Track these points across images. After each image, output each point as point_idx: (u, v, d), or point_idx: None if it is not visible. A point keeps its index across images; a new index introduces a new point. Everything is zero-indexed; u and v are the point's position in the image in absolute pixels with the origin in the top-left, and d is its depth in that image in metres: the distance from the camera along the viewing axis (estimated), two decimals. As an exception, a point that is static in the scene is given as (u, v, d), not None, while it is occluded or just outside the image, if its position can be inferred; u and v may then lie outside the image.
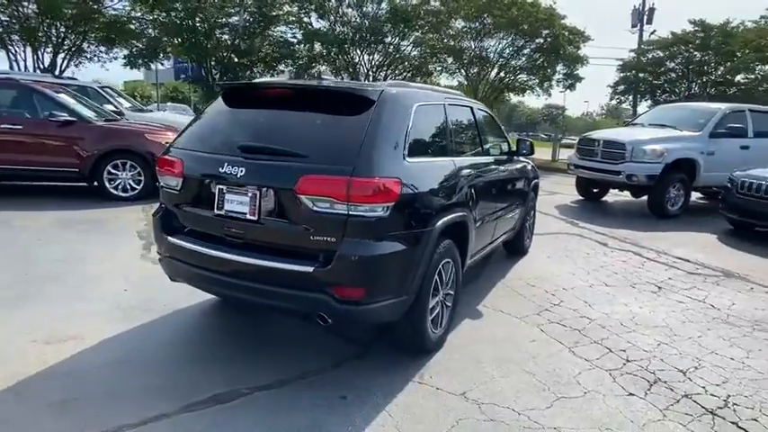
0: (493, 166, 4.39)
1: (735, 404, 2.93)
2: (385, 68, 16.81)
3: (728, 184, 7.56)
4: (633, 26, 28.63)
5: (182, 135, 3.34)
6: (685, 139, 8.67)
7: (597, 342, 3.67)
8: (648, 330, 3.93)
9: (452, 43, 17.44)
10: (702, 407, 2.89)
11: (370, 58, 16.64)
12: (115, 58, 15.72)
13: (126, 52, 14.98)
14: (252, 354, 3.28)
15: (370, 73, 16.75)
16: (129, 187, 7.60)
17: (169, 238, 3.15)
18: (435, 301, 3.26)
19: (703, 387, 3.11)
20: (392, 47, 16.26)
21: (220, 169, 2.87)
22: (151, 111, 11.98)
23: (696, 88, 25.34)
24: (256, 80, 3.83)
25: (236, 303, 3.83)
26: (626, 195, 10.01)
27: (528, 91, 19.34)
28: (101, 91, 10.14)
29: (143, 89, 35.75)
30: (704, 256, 6.23)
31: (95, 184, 7.57)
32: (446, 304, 3.46)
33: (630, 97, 27.78)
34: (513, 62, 18.58)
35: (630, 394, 2.99)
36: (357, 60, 16.60)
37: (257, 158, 2.84)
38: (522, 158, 5.34)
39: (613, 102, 29.70)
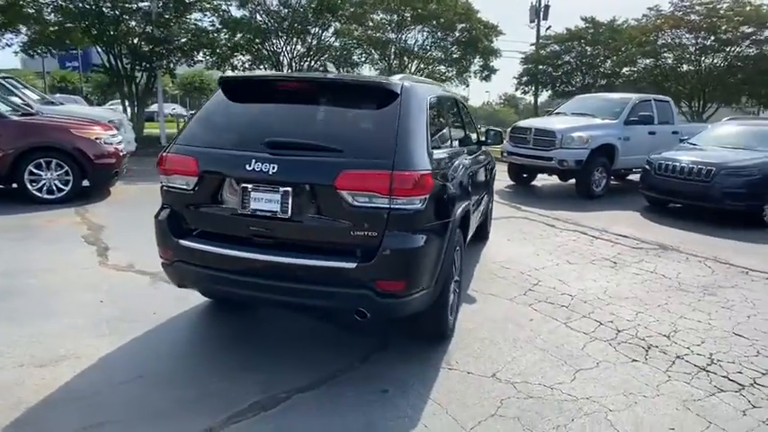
0: (474, 155, 4.55)
1: (719, 360, 3.34)
2: (308, 59, 16.49)
3: (647, 166, 8.42)
4: (531, 21, 30.62)
5: (184, 132, 3.11)
6: (605, 126, 9.50)
7: (586, 316, 3.98)
8: (623, 302, 4.32)
9: (377, 35, 17.52)
10: (695, 365, 3.26)
11: (292, 48, 16.22)
12: (9, 45, 13.87)
13: (20, 38, 13.28)
14: (272, 356, 3.16)
15: (293, 63, 16.36)
16: (55, 188, 6.85)
17: (180, 241, 2.93)
18: (451, 288, 3.35)
19: (688, 348, 3.50)
20: (315, 37, 15.97)
21: (247, 167, 2.73)
22: (62, 103, 10.77)
23: (589, 80, 27.67)
24: (262, 73, 3.67)
25: (261, 305, 3.72)
26: (553, 179, 10.76)
27: (447, 82, 20.03)
28: (3, 82, 8.95)
29: (25, 79, 31.73)
30: (637, 231, 6.91)
31: (15, 185, 6.74)
32: (456, 290, 3.57)
33: (533, 88, 29.79)
34: (433, 54, 19.10)
35: (634, 360, 3.30)
36: (280, 50, 16.09)
37: (289, 154, 2.74)
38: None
39: (518, 92, 31.66)
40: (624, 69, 25.93)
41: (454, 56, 19.38)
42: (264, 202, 2.75)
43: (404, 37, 18.54)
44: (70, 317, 3.54)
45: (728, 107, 24.01)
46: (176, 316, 3.65)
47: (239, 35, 14.88)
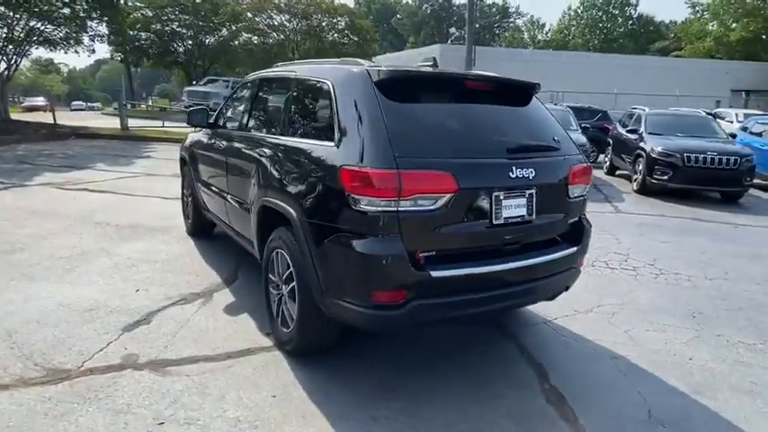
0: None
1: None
2: None
3: (671, 159, 8.77)
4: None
5: (390, 140, 2.42)
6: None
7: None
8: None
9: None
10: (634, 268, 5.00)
11: None
12: None
13: None
14: (467, 369, 3.02)
15: None
16: None
17: (432, 273, 2.44)
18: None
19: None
20: None
21: (510, 174, 2.60)
22: None
23: (197, 50, 27.27)
24: (437, 70, 2.92)
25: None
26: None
27: (63, 46, 15.93)
28: None
29: None
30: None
31: None
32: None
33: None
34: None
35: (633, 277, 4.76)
36: None
37: (533, 157, 2.74)
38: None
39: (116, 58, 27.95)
40: (234, 42, 26.97)
41: (63, 12, 15.52)
42: (514, 208, 2.67)
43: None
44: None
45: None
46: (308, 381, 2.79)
47: None
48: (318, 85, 3.00)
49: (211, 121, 4.67)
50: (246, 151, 3.61)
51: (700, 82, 27.60)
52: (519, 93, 3.08)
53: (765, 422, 2.64)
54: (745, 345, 3.46)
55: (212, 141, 4.51)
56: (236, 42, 26.51)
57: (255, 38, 26.01)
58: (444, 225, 2.50)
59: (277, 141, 3.22)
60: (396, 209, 2.38)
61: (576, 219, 3.08)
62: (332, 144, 2.65)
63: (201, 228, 5.33)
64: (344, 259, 2.49)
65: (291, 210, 2.81)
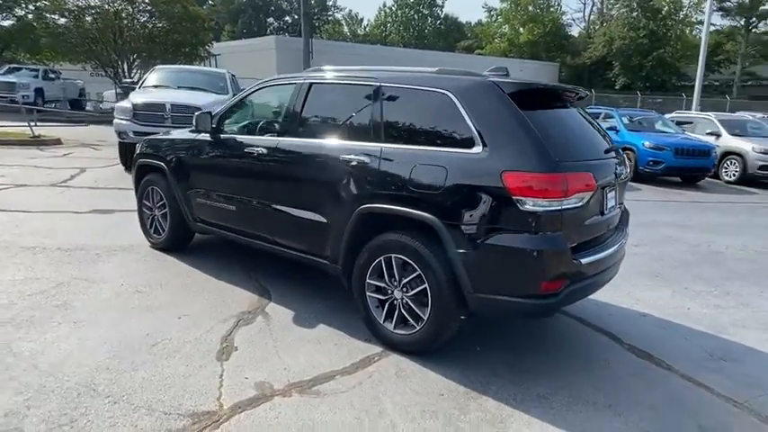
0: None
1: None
2: None
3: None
4: None
5: (549, 145, 2.74)
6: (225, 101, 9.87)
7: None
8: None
9: None
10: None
11: None
12: None
13: None
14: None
15: None
16: None
17: (582, 260, 2.86)
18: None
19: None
20: None
21: (616, 171, 3.14)
22: None
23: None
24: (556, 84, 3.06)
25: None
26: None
27: None
28: None
29: None
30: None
31: None
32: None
33: None
34: None
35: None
36: None
37: (618, 156, 3.30)
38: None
39: None
40: (39, 24, 22.43)
41: None
42: (611, 200, 3.21)
43: None
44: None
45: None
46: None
47: None
48: (430, 94, 3.10)
49: (214, 125, 4.30)
50: (320, 159, 3.49)
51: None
52: (579, 100, 3.61)
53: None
54: (708, 292, 4.58)
55: (228, 148, 4.17)
56: (42, 25, 22.24)
57: (63, 20, 22.04)
58: (583, 218, 2.93)
59: (375, 149, 3.20)
60: (560, 207, 2.72)
61: (623, 207, 3.76)
62: (477, 151, 2.83)
63: (181, 242, 4.86)
64: (511, 257, 2.73)
65: (427, 214, 2.91)
